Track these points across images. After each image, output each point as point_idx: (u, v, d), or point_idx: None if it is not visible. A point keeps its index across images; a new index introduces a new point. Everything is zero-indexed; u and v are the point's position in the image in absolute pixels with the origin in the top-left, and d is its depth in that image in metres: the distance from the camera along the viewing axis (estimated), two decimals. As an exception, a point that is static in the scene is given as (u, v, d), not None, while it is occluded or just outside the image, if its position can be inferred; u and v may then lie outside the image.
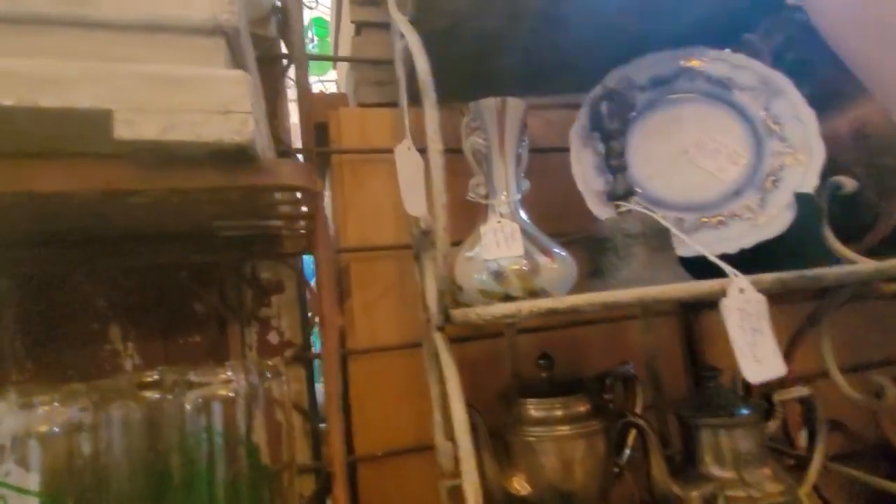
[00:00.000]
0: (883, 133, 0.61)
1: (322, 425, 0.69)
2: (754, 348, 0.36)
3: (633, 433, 0.63)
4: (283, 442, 0.58)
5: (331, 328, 0.38)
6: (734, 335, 0.36)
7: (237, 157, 0.31)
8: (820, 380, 0.67)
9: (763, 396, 0.61)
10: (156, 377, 0.49)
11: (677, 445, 0.76)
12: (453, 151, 0.63)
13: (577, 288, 0.58)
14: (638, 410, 0.65)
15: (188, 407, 0.42)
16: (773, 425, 0.60)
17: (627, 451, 0.65)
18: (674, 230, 0.41)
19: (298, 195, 0.42)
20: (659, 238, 0.40)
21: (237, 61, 0.33)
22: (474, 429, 0.58)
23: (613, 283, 0.39)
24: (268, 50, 0.65)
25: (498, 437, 0.60)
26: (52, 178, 0.29)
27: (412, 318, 0.72)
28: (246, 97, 0.29)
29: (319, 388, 0.74)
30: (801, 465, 0.71)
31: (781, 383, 0.80)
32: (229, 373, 0.43)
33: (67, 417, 0.35)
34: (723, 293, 0.37)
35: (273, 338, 0.68)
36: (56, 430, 0.35)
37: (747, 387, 0.80)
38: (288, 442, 0.57)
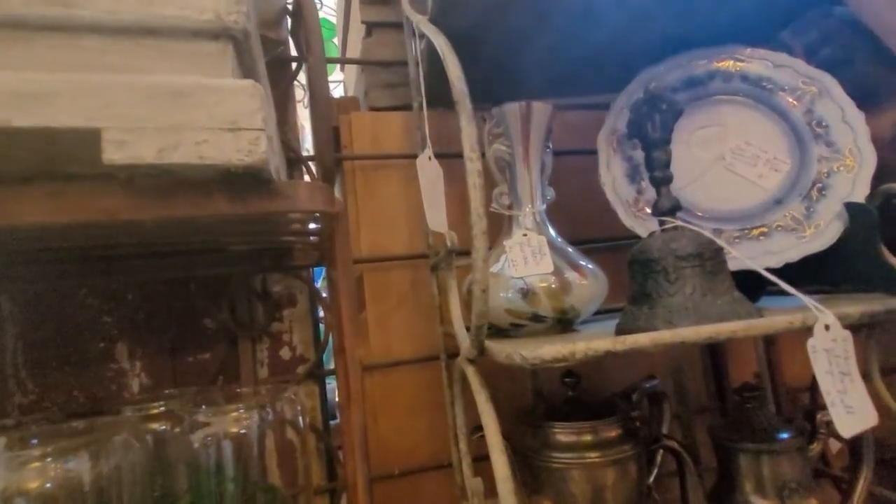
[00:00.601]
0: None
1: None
2: (845, 396, 0.32)
3: (661, 452, 0.60)
4: (297, 464, 0.56)
5: (352, 361, 0.35)
6: (825, 383, 0.32)
7: (248, 180, 0.28)
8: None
9: (805, 416, 0.58)
10: (162, 407, 0.46)
11: (707, 461, 0.73)
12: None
13: (605, 302, 0.55)
14: (666, 428, 0.62)
15: (196, 445, 0.39)
16: (816, 448, 0.56)
17: (655, 471, 0.61)
18: (731, 250, 0.37)
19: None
20: (714, 260, 0.37)
21: (246, 69, 0.30)
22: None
23: (663, 311, 0.35)
24: (277, 53, 0.61)
25: (520, 457, 0.57)
26: (36, 210, 0.25)
27: (427, 329, 0.69)
28: (257, 111, 0.26)
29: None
30: (837, 484, 0.68)
31: (812, 394, 0.76)
32: (241, 410, 0.40)
33: (62, 471, 0.32)
34: (806, 330, 0.33)
35: (285, 353, 0.65)
36: (49, 485, 0.32)
37: (778, 402, 0.77)
38: (303, 466, 0.55)
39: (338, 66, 1.12)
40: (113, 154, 0.24)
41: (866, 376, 0.61)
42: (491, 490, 0.58)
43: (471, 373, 0.39)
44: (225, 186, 0.28)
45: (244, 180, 0.27)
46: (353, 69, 0.84)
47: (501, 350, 0.33)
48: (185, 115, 0.25)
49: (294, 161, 0.65)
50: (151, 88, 0.25)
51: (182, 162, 0.25)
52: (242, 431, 0.41)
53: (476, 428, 0.54)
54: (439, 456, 0.67)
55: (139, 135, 0.25)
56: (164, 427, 0.43)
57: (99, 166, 0.25)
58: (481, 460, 0.59)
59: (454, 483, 0.62)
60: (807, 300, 0.35)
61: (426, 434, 0.68)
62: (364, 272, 0.69)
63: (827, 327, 0.34)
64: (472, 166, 0.30)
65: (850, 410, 0.35)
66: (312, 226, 0.50)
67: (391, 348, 0.68)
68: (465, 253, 0.63)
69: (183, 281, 0.61)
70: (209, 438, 0.40)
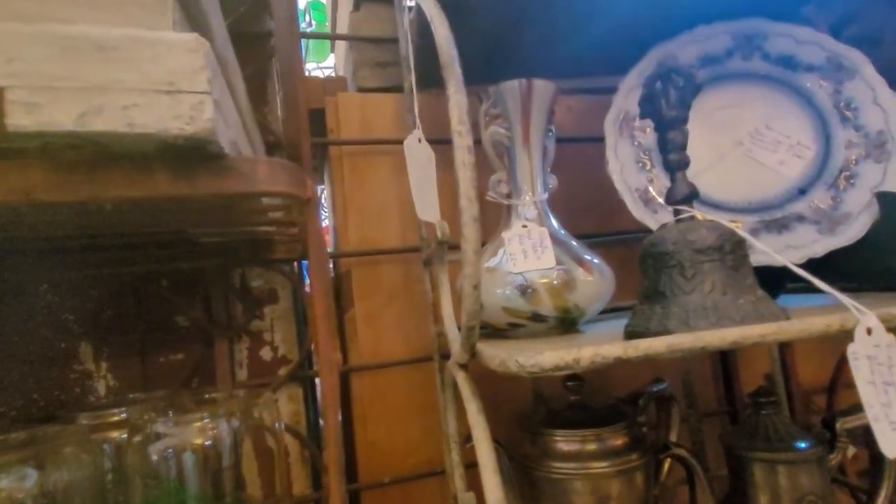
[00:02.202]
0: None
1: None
2: (889, 410, 0.28)
3: (669, 461, 0.56)
4: (276, 473, 0.51)
5: (327, 364, 0.31)
6: (866, 395, 0.28)
7: (195, 154, 0.23)
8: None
9: (824, 423, 0.54)
10: (123, 415, 0.41)
11: (715, 469, 0.69)
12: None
13: (611, 300, 0.50)
14: (674, 434, 0.58)
15: (155, 458, 0.35)
16: (836, 458, 0.52)
17: (662, 480, 0.57)
18: (756, 243, 0.33)
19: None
20: (735, 254, 0.32)
21: (194, 24, 0.25)
22: (498, 468, 0.51)
23: (678, 311, 0.31)
24: (249, 20, 0.56)
25: (518, 465, 0.52)
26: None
27: (420, 328, 0.64)
28: (201, 71, 0.21)
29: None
30: (854, 494, 0.64)
31: (830, 398, 0.72)
32: (206, 419, 0.36)
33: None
34: (845, 334, 0.29)
35: (266, 354, 0.60)
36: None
37: (791, 405, 0.73)
38: (280, 475, 0.50)
39: (331, 47, 1.06)
40: (20, 119, 0.20)
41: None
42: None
43: (461, 379, 0.34)
44: (167, 161, 0.23)
45: (190, 155, 0.23)
46: (342, 49, 0.79)
47: (495, 355, 0.29)
48: (110, 73, 0.20)
49: (275, 146, 0.60)
50: (68, 40, 0.20)
51: (107, 130, 0.20)
52: (207, 443, 0.36)
53: (470, 436, 0.50)
54: (434, 462, 0.63)
55: (54, 96, 0.20)
56: (121, 437, 0.39)
57: (7, 137, 0.20)
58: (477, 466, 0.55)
59: (449, 491, 0.58)
60: (846, 300, 0.30)
61: (420, 439, 0.64)
62: (352, 267, 0.64)
63: (869, 331, 0.30)
64: (462, 141, 0.26)
65: (895, 426, 0.30)
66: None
67: (381, 348, 0.64)
68: (459, 246, 0.59)
69: (153, 275, 0.56)
70: (169, 451, 0.36)
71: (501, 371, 0.28)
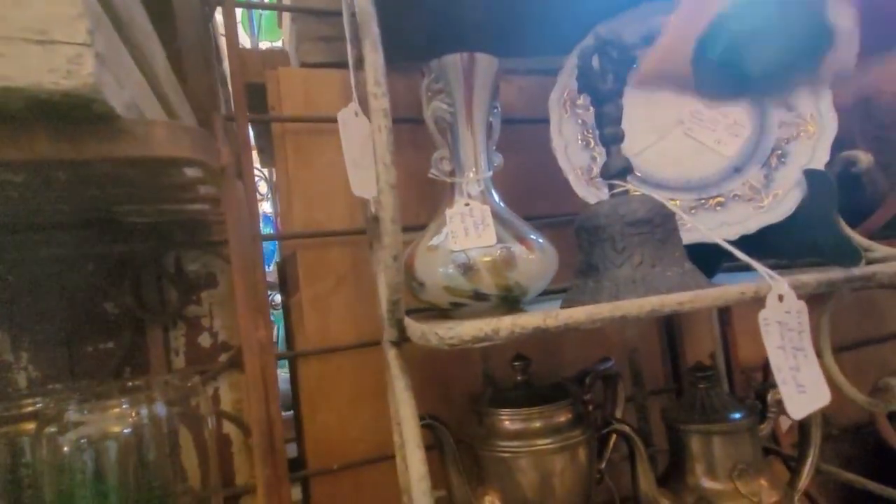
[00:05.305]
0: (893, 103, 0.54)
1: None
2: (797, 374, 0.29)
3: (614, 436, 0.57)
4: (211, 463, 0.49)
5: (249, 343, 0.29)
6: (776, 359, 0.29)
7: (79, 113, 0.21)
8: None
9: (756, 395, 0.56)
10: (39, 405, 0.39)
11: (661, 443, 0.72)
12: (415, 121, 0.54)
13: (556, 281, 0.51)
14: (619, 411, 0.59)
15: (67, 448, 0.32)
16: (767, 427, 0.54)
17: (608, 455, 0.59)
18: (683, 216, 0.33)
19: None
20: (664, 227, 0.33)
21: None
22: (440, 445, 0.51)
23: (610, 284, 0.31)
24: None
25: (467, 445, 0.53)
26: None
27: (370, 312, 0.63)
28: (79, 18, 0.19)
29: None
30: (786, 462, 0.67)
31: (765, 372, 0.76)
32: (125, 405, 0.34)
33: None
34: (758, 300, 0.29)
35: (205, 340, 0.58)
36: None
37: (732, 381, 0.76)
38: (214, 465, 0.49)
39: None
40: None
41: (818, 352, 0.61)
42: (436, 482, 0.54)
43: (391, 356, 0.34)
44: (48, 121, 0.21)
45: (75, 114, 0.21)
46: (287, 22, 0.76)
47: (417, 329, 0.28)
48: (-30, 20, 0.18)
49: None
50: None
51: (-33, 84, 0.18)
52: (126, 431, 0.34)
53: (419, 417, 0.50)
54: (385, 446, 0.62)
55: None
56: (32, 428, 0.36)
57: None
58: (430, 449, 0.55)
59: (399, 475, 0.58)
60: (760, 268, 0.31)
61: (371, 424, 0.63)
62: (297, 250, 0.62)
63: (781, 298, 0.31)
64: (377, 104, 0.24)
65: (802, 389, 0.32)
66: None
67: (330, 333, 0.62)
68: (406, 227, 0.57)
69: (77, 259, 0.53)
70: (83, 441, 0.34)
71: (423, 344, 0.27)
